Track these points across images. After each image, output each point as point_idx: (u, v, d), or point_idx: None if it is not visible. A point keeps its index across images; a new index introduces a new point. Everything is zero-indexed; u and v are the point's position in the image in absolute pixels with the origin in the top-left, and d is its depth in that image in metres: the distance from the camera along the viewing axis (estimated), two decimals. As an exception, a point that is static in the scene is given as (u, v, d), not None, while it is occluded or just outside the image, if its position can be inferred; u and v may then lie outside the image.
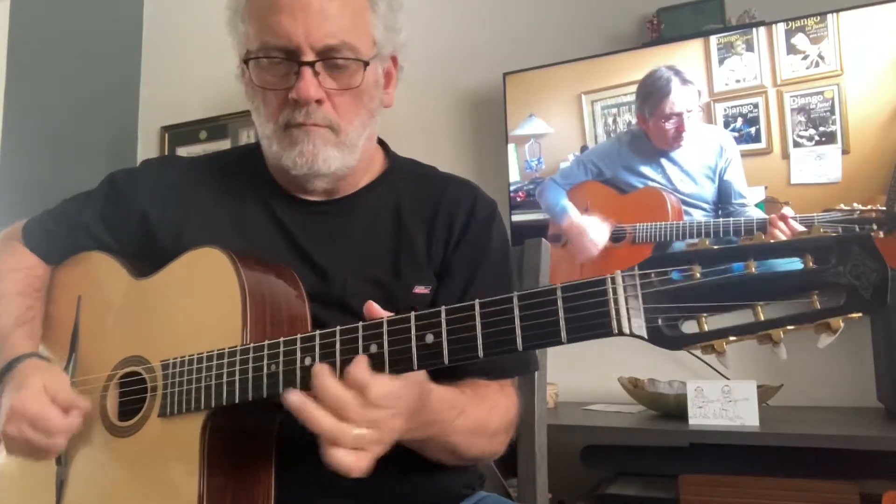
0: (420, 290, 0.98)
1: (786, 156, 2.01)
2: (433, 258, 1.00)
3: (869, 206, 1.86)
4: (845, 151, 1.94)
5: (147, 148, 3.10)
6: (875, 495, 1.59)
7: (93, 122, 2.90)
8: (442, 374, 0.95)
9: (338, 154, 0.95)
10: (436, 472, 0.99)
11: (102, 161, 2.85)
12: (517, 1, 2.54)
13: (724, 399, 1.72)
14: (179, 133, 3.03)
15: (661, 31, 2.23)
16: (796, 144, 1.99)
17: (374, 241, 1.00)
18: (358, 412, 0.70)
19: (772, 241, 0.60)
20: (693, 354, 2.07)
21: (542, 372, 1.19)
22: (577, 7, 2.45)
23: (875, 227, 1.84)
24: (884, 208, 1.85)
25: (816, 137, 1.97)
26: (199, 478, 0.81)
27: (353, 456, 0.70)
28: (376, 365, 0.72)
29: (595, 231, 2.20)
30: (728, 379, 1.92)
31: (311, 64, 0.91)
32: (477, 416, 0.89)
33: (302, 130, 0.94)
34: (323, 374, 0.72)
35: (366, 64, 0.95)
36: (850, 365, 1.99)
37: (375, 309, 0.75)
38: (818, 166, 1.97)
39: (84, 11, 2.89)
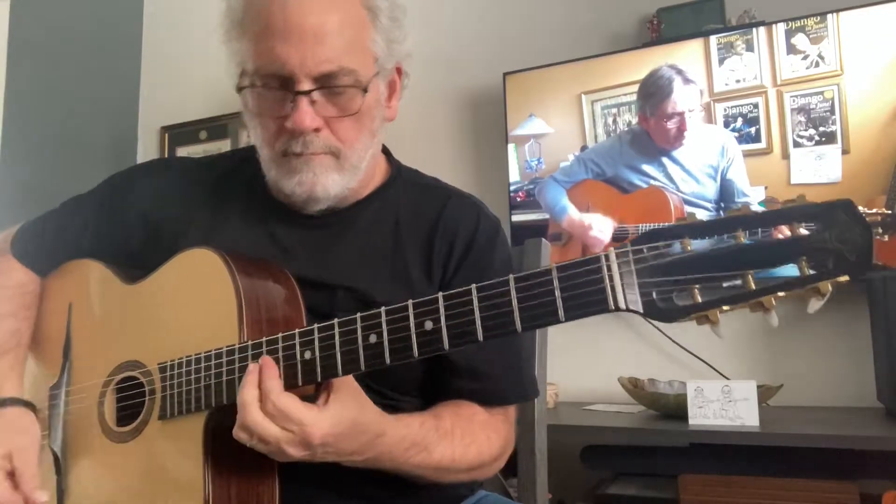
0: None
1: (786, 156, 2.01)
2: (432, 278, 0.97)
3: (874, 210, 1.86)
4: (845, 151, 1.94)
5: (147, 148, 3.09)
6: (875, 495, 1.59)
7: (93, 122, 2.90)
8: (438, 395, 0.94)
9: (339, 178, 0.93)
10: None
11: (102, 161, 2.85)
12: (517, 1, 2.54)
13: (724, 399, 1.72)
14: (179, 133, 3.03)
15: (661, 31, 2.23)
16: (796, 144, 1.99)
17: (369, 259, 0.97)
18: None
19: (759, 210, 0.62)
20: (694, 355, 2.08)
21: (542, 372, 1.19)
22: (577, 7, 2.45)
23: (880, 229, 1.85)
24: (889, 211, 1.85)
25: (816, 137, 1.97)
26: (203, 476, 0.81)
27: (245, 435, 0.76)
28: (376, 355, 0.73)
29: (598, 225, 2.20)
30: (728, 379, 1.92)
31: (307, 93, 0.87)
32: (445, 453, 0.88)
33: (301, 160, 0.91)
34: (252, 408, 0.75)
35: (364, 90, 0.90)
36: (850, 365, 1.99)
37: None
38: (818, 166, 1.97)
39: (84, 11, 2.89)
